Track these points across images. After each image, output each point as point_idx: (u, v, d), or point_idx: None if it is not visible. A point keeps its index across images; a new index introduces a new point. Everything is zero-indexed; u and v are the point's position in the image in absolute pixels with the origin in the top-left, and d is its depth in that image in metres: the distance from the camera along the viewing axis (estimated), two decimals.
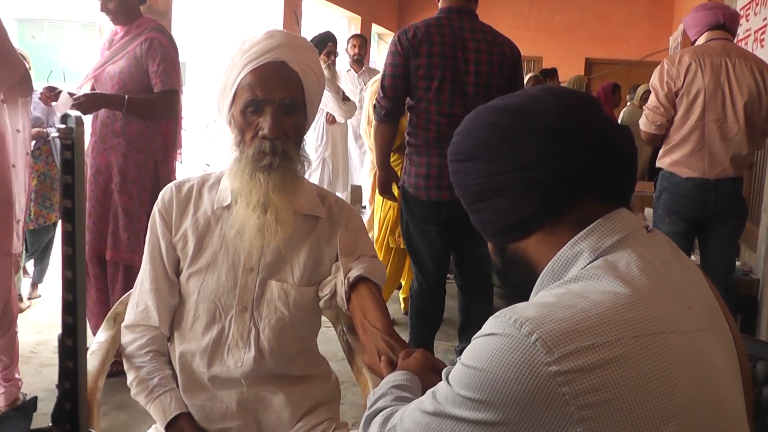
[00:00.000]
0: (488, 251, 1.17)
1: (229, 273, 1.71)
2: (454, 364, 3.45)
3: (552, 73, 8.16)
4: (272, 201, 1.65)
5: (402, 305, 5.01)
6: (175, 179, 3.59)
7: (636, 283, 0.93)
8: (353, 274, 1.67)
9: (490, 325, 0.93)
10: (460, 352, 3.81)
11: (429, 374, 1.34)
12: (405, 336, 3.81)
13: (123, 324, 1.80)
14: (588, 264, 0.98)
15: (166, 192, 1.79)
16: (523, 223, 1.05)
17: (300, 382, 1.78)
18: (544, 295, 0.96)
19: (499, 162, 1.04)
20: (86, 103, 3.28)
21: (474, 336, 0.95)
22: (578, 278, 0.96)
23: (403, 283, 5.02)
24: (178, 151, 3.72)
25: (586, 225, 1.01)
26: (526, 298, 1.06)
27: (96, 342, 1.82)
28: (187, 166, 8.68)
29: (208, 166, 9.86)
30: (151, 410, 1.69)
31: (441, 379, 1.35)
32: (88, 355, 1.60)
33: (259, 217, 1.66)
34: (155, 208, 1.78)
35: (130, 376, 1.73)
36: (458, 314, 3.84)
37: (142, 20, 3.52)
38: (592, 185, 1.02)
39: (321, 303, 1.76)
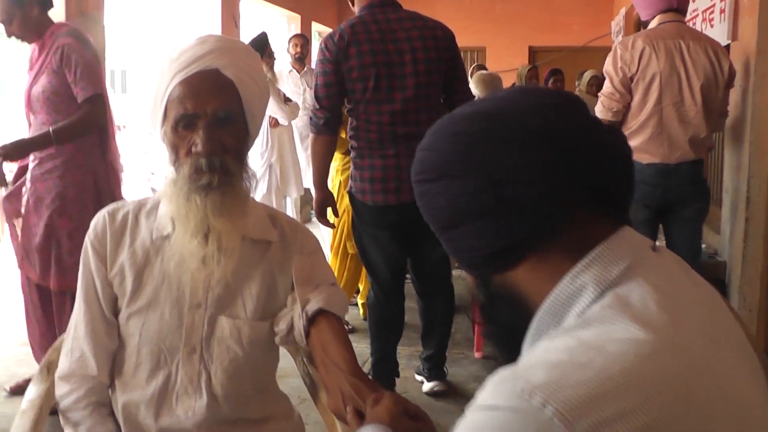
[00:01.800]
0: (445, 253, 0.99)
1: (173, 311, 1.52)
2: (418, 371, 3.26)
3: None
4: (213, 226, 1.46)
5: (360, 311, 4.85)
6: (120, 194, 3.40)
7: (656, 324, 0.77)
8: (311, 307, 1.50)
9: (489, 393, 0.74)
10: (424, 359, 3.68)
11: (402, 421, 1.18)
12: (366, 344, 3.66)
13: (57, 374, 1.59)
14: (594, 300, 0.82)
15: (98, 221, 1.59)
16: (509, 251, 0.88)
17: (259, 425, 1.61)
18: (548, 347, 0.78)
19: (472, 178, 0.87)
20: (12, 153, 3.11)
21: (469, 407, 0.76)
22: (588, 323, 0.79)
23: (361, 287, 4.86)
24: (118, 160, 3.47)
25: (584, 246, 0.85)
26: (515, 337, 0.90)
27: (26, 400, 1.60)
28: (131, 178, 8.38)
29: (153, 174, 9.51)
30: None
31: (415, 425, 1.20)
32: (17, 417, 1.40)
33: (200, 245, 1.47)
34: (87, 240, 1.58)
35: None
36: (420, 319, 3.70)
37: (53, 28, 3.25)
38: (586, 198, 0.87)
39: (277, 339, 1.59)
